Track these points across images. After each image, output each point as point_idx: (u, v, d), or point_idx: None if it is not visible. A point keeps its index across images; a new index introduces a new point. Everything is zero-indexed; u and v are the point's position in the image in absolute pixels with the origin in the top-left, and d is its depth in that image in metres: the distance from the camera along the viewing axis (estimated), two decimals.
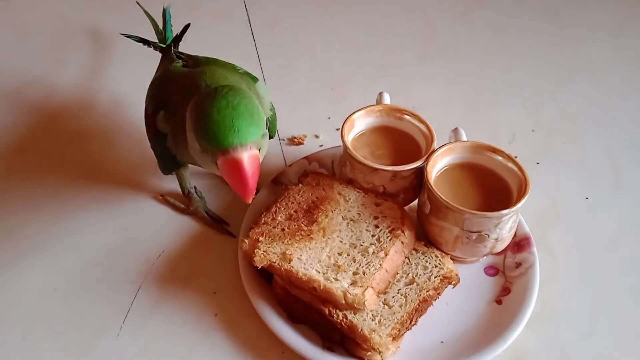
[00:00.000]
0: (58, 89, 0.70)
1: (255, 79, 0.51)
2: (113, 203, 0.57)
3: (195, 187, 0.57)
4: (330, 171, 0.58)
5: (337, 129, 0.66)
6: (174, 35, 0.56)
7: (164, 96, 0.48)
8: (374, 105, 0.55)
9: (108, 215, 0.56)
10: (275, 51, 0.77)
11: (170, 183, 0.58)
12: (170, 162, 0.50)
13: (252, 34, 0.80)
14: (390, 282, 0.47)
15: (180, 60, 0.52)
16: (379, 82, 0.74)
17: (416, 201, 0.53)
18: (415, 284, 0.47)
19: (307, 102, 0.70)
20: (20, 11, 0.82)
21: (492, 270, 0.52)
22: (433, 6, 0.87)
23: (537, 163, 0.63)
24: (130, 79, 0.71)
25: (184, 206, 0.56)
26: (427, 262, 0.48)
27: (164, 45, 0.58)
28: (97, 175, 0.60)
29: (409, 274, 0.48)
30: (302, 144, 0.64)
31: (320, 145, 0.64)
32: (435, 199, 0.48)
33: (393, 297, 0.46)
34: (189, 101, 0.42)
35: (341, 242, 0.48)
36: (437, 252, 0.49)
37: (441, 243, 0.49)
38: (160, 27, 0.64)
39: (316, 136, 0.66)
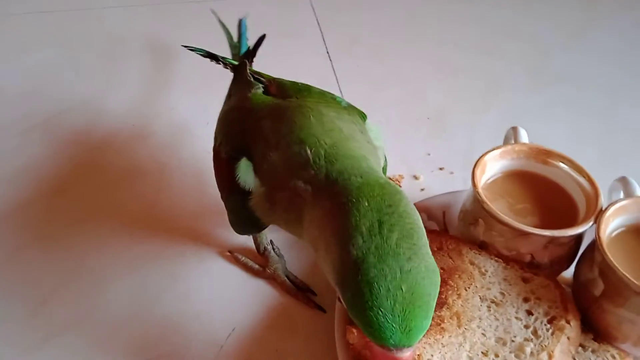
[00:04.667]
0: (106, 114, 0.60)
1: (363, 116, 0.39)
2: (172, 260, 0.45)
3: (271, 241, 0.45)
4: (441, 225, 0.46)
5: (440, 169, 0.54)
6: (247, 49, 0.46)
7: (245, 138, 0.35)
8: (512, 144, 0.42)
9: (166, 277, 0.44)
10: (355, 75, 0.66)
11: (241, 236, 0.46)
12: (249, 224, 0.38)
13: (329, 56, 0.69)
14: None
15: (260, 85, 0.41)
16: (484, 112, 0.61)
17: (567, 272, 0.40)
18: None
19: (400, 135, 0.58)
20: (68, 24, 0.73)
21: None
22: (540, 25, 0.75)
23: None
24: (191, 103, 0.61)
25: (259, 267, 0.44)
26: None
27: (236, 62, 0.47)
28: (152, 223, 0.49)
29: None
30: (400, 187, 0.52)
31: (422, 190, 0.52)
32: (616, 279, 0.34)
33: None
34: (292, 162, 0.32)
35: (484, 335, 0.35)
36: (614, 351, 0.36)
37: (617, 337, 0.36)
38: (235, 40, 0.54)
39: (415, 177, 0.53)
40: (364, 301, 0.26)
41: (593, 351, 0.36)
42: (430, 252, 0.28)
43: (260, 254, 0.45)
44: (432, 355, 0.33)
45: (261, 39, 0.50)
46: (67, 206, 0.50)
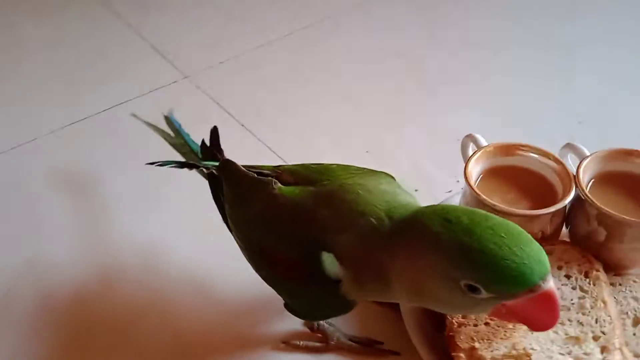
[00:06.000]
0: (60, 269, 0.54)
1: (391, 176, 0.42)
2: None
3: None
4: None
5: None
6: (203, 146, 0.50)
7: (310, 232, 0.37)
8: (482, 148, 0.49)
9: None
10: (282, 136, 0.69)
11: (282, 322, 0.47)
12: (335, 310, 0.40)
13: (245, 127, 0.70)
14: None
15: (272, 178, 0.42)
16: (404, 126, 0.68)
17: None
18: None
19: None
20: None
21: None
22: (399, 32, 0.84)
23: None
24: (149, 223, 0.58)
25: (321, 343, 0.46)
26: (633, 292, 0.43)
27: (216, 162, 0.47)
28: (189, 353, 0.47)
29: (627, 313, 0.42)
30: None
31: None
32: (614, 222, 0.43)
33: (637, 344, 0.40)
34: (362, 236, 0.35)
35: None
36: (634, 277, 0.44)
37: (629, 265, 0.45)
38: (174, 137, 0.54)
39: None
40: (495, 260, 0.30)
41: (620, 284, 0.44)
42: None
43: (315, 330, 0.46)
44: (531, 344, 0.38)
45: (215, 131, 0.50)
46: None
